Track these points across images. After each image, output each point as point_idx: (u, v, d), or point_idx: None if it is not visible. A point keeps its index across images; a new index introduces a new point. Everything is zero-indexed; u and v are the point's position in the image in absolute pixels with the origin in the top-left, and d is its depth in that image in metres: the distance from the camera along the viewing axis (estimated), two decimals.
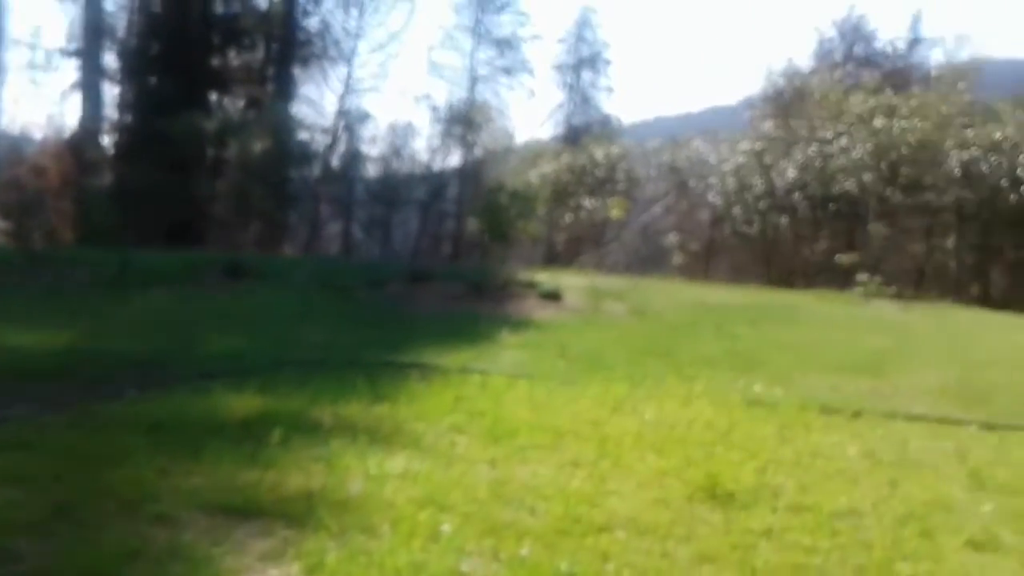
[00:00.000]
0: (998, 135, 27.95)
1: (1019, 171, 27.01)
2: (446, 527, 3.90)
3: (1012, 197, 27.15)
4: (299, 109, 38.90)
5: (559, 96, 53.83)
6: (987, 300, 25.69)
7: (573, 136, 48.32)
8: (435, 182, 43.57)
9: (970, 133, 28.49)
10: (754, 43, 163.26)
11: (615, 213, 34.01)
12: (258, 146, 30.46)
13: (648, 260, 35.26)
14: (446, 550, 3.69)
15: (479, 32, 46.14)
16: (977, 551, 4.14)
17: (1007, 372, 10.17)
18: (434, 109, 43.02)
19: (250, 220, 33.53)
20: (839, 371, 9.33)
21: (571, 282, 17.17)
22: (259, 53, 38.35)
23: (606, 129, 48.68)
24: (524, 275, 18.08)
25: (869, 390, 8.43)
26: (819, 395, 7.81)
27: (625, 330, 12.35)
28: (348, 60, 40.34)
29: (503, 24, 46.77)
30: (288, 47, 37.81)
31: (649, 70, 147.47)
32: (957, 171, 28.10)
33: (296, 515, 3.97)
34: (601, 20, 67.00)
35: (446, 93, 45.43)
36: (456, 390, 6.75)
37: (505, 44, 46.89)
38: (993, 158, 27.56)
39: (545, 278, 17.15)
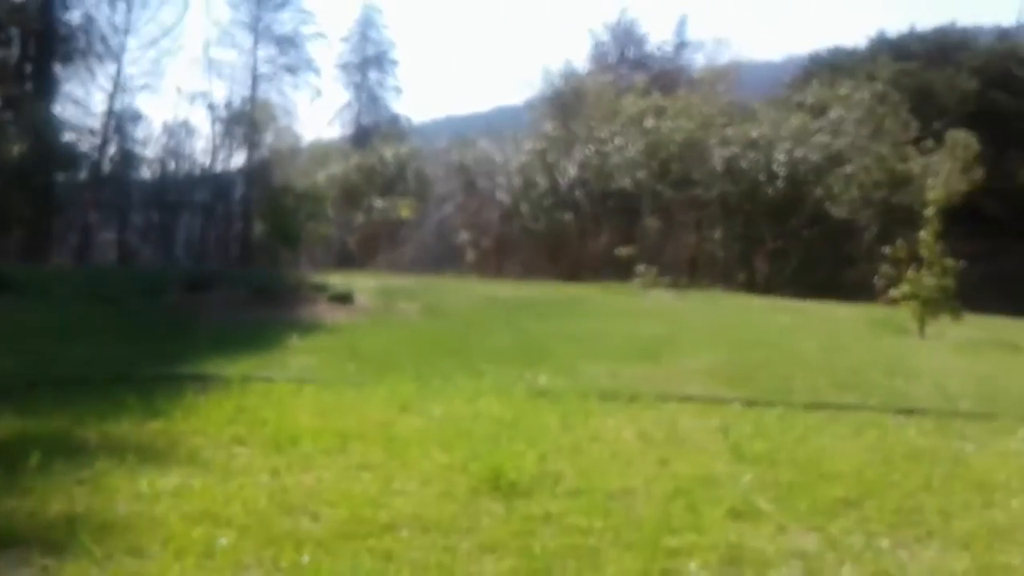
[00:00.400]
0: (755, 133, 30.41)
1: (775, 166, 29.52)
2: (223, 541, 3.77)
3: (769, 190, 29.65)
4: (63, 109, 36.25)
5: (346, 96, 53.27)
6: (752, 286, 27.88)
7: (362, 136, 47.96)
8: (218, 184, 41.93)
9: (730, 131, 30.82)
10: (538, 43, 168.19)
11: (405, 213, 34.11)
12: (15, 148, 28.07)
13: (442, 258, 35.58)
14: (222, 565, 3.57)
15: (259, 29, 44.78)
16: (737, 520, 4.45)
17: (768, 352, 11.05)
18: (211, 108, 41.42)
19: (9, 229, 30.87)
20: (619, 358, 9.77)
21: (363, 283, 17.00)
22: (14, 49, 35.36)
23: (395, 129, 48.65)
24: (314, 278, 17.72)
25: (645, 375, 8.88)
26: (600, 382, 8.13)
27: (416, 329, 12.37)
28: (117, 57, 38.02)
29: (284, 22, 45.70)
30: (47, 43, 35.05)
31: (438, 69, 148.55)
32: (720, 167, 30.30)
33: (57, 542, 3.70)
34: (386, 19, 66.80)
35: (227, 92, 43.81)
36: (237, 400, 6.50)
37: (287, 42, 45.81)
38: (752, 154, 29.95)
39: (336, 280, 16.87)
